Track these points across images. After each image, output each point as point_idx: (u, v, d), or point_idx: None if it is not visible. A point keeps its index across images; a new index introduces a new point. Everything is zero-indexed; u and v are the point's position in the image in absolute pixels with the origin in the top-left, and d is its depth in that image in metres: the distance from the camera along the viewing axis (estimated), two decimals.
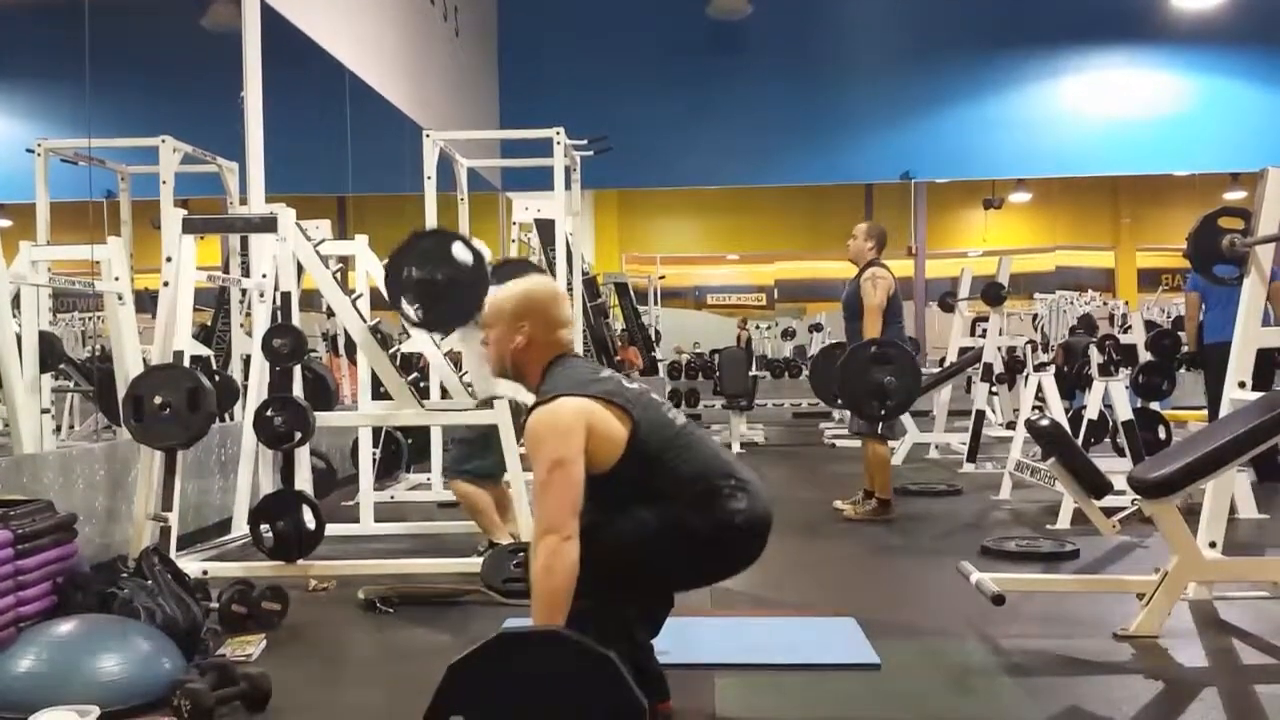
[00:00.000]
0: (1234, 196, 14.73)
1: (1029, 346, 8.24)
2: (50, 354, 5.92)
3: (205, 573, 4.36)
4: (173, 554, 4.19)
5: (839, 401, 6.02)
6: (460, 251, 4.36)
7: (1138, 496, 3.75)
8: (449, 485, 5.10)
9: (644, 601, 2.65)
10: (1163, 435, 7.34)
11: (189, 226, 4.67)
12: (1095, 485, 4.09)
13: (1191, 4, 12.77)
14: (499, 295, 2.70)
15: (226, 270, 7.07)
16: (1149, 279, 20.46)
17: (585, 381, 2.55)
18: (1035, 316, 12.95)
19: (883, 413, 5.73)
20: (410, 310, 4.33)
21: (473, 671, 2.17)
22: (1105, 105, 13.32)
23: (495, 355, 2.69)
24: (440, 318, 4.42)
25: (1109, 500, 4.16)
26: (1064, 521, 5.61)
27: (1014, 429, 7.07)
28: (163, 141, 6.62)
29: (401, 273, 4.30)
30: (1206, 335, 7.21)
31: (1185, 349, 7.71)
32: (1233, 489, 4.84)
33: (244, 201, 6.17)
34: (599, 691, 2.12)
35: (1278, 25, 12.82)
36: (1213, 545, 4.04)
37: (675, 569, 2.59)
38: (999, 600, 3.57)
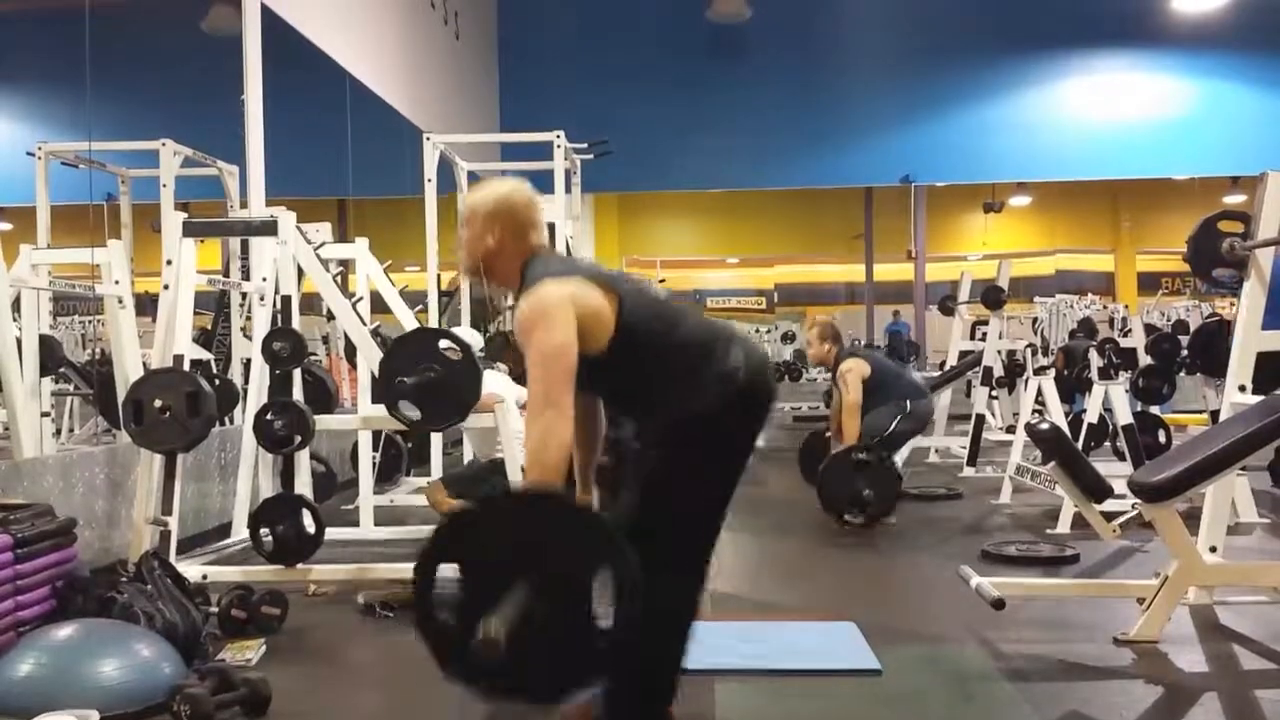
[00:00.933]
0: (1234, 200, 14.74)
1: (1029, 350, 8.26)
2: (50, 357, 5.92)
3: (205, 577, 4.35)
4: (172, 558, 4.18)
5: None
6: (448, 348, 4.36)
7: (1138, 501, 3.74)
8: (429, 487, 5.09)
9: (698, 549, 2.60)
10: (1163, 439, 7.34)
11: (189, 230, 4.67)
12: (1095, 489, 4.09)
13: (1191, 8, 12.78)
14: (474, 197, 2.68)
15: (227, 274, 7.06)
16: (1149, 283, 20.47)
17: (565, 269, 2.54)
18: (1035, 320, 12.96)
19: (859, 521, 5.79)
20: (407, 412, 4.32)
21: (469, 526, 2.16)
22: (1105, 109, 13.33)
23: (467, 255, 2.67)
24: (438, 415, 4.41)
25: (1109, 504, 4.16)
26: (1064, 526, 5.61)
27: (1014, 433, 7.07)
28: (163, 145, 6.63)
29: (394, 380, 4.28)
30: None
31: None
32: (1233, 493, 4.86)
33: (244, 205, 6.17)
34: (595, 555, 2.10)
35: (1275, 31, 12.83)
36: (1213, 550, 4.04)
37: (706, 476, 2.56)
38: (999, 605, 3.57)
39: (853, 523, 6.04)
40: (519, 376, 5.57)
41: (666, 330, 2.55)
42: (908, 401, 6.19)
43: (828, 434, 6.64)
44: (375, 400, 5.35)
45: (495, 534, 2.13)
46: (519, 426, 5.07)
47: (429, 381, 4.23)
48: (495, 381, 5.22)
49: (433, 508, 5.05)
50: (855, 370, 6.11)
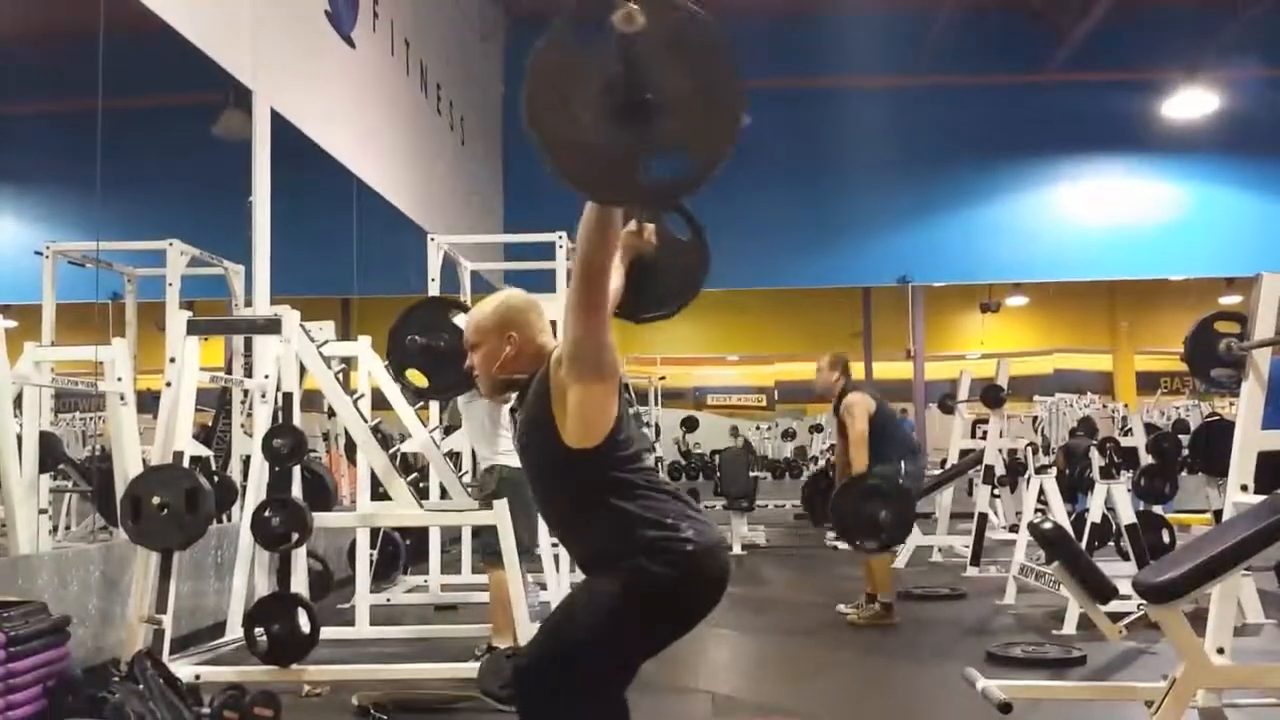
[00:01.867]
0: (1229, 301, 14.87)
1: (1030, 449, 8.25)
2: (50, 454, 5.92)
3: (198, 677, 4.29)
4: (166, 657, 4.12)
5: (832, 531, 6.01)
6: (461, 318, 4.42)
7: (1143, 602, 3.70)
8: (487, 569, 5.01)
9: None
10: (1166, 539, 7.29)
11: (194, 328, 4.71)
12: (1100, 590, 4.05)
13: (1183, 115, 13.08)
14: (477, 313, 2.61)
15: (229, 371, 7.11)
16: (1148, 382, 20.52)
17: None
18: (1035, 419, 12.98)
19: (874, 546, 5.71)
20: (416, 378, 4.37)
21: None
22: (1099, 212, 13.55)
23: (485, 373, 2.59)
24: (446, 384, 4.45)
25: (1115, 605, 4.12)
26: (1070, 626, 5.53)
27: (1017, 532, 7.03)
28: (170, 245, 6.72)
29: (404, 341, 4.34)
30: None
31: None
32: (1239, 594, 4.81)
33: (249, 303, 6.24)
34: None
35: (1267, 136, 13.11)
36: (1221, 651, 3.98)
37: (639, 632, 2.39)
38: (1006, 708, 3.51)
39: (856, 621, 5.98)
40: None
41: (637, 470, 2.42)
42: (903, 463, 6.11)
43: (831, 473, 6.53)
44: (374, 497, 5.35)
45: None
46: (504, 414, 5.09)
47: (438, 348, 4.26)
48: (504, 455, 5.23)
49: (493, 587, 4.97)
50: (862, 404, 6.05)
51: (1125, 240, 13.55)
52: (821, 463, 14.03)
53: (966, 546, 8.21)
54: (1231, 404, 8.59)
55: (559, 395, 2.36)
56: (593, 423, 2.36)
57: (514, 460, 5.01)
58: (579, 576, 7.55)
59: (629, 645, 2.39)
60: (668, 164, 2.01)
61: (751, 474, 11.18)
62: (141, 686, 3.43)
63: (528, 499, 4.95)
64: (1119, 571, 5.13)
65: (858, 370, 19.32)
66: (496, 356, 2.54)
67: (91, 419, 8.20)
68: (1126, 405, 15.92)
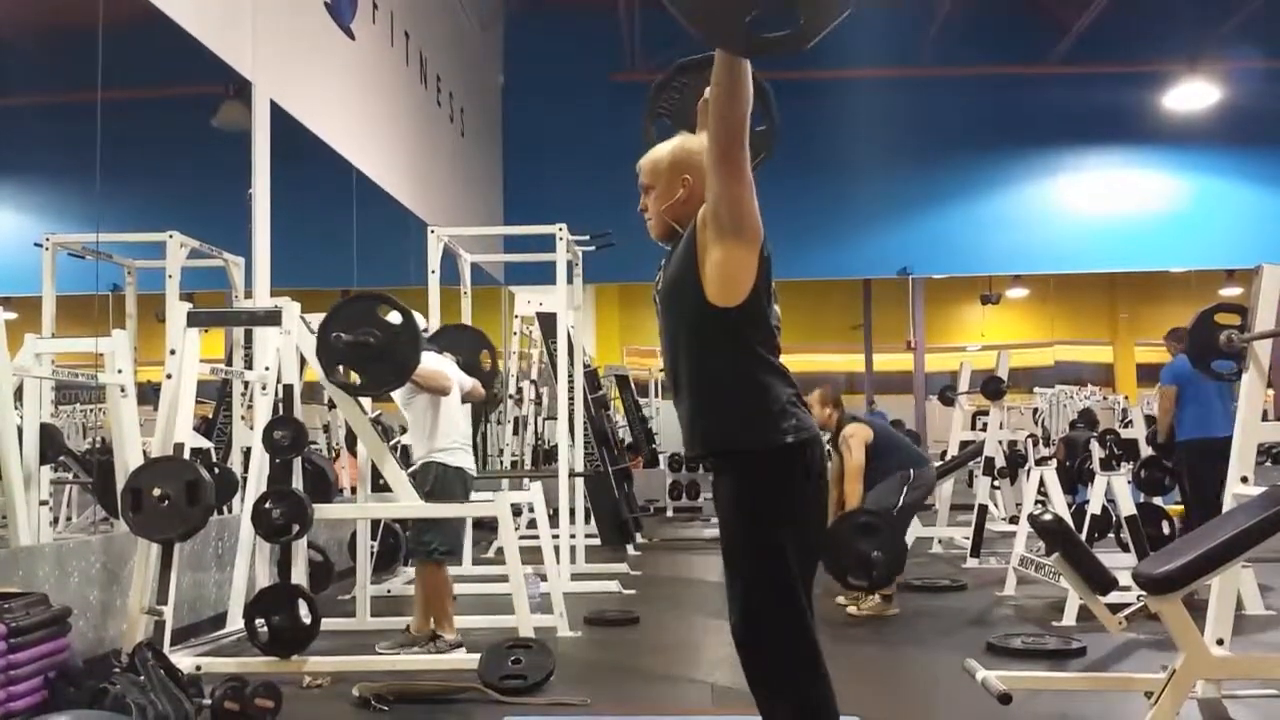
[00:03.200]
0: (1230, 293, 14.86)
1: (1030, 441, 8.24)
2: (50, 446, 5.92)
3: (199, 668, 4.30)
4: (166, 649, 4.14)
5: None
6: (389, 313, 4.40)
7: (1143, 593, 3.71)
8: (420, 567, 5.06)
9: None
10: (1166, 530, 7.29)
11: (194, 320, 4.71)
12: (1100, 581, 4.05)
13: (1184, 106, 13.07)
14: (653, 154, 2.59)
15: (230, 363, 7.10)
16: (1148, 374, 20.53)
17: None
18: (1035, 411, 12.98)
19: (864, 585, 5.72)
20: (343, 376, 4.36)
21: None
22: (1101, 203, 13.54)
23: (655, 214, 2.58)
24: (375, 380, 4.43)
25: (1115, 596, 4.12)
26: (1070, 618, 5.54)
27: (1017, 524, 7.03)
28: (170, 236, 6.71)
29: (330, 338, 4.32)
30: (1180, 431, 7.13)
31: (1157, 440, 7.60)
32: (1239, 585, 4.81)
33: (249, 295, 6.23)
34: None
35: (1268, 127, 13.10)
36: (1220, 642, 3.99)
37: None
38: (1006, 699, 3.52)
39: (856, 613, 5.99)
40: (469, 368, 5.57)
41: (777, 346, 2.49)
42: (910, 470, 6.12)
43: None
44: (374, 489, 5.36)
45: None
46: (459, 417, 5.08)
47: (367, 345, 4.25)
48: (444, 363, 5.23)
49: (422, 583, 5.01)
50: (858, 435, 6.07)
51: (1126, 232, 13.54)
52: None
53: (966, 538, 8.22)
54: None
55: (703, 254, 2.40)
56: (734, 281, 2.39)
57: (451, 458, 5.03)
58: (580, 567, 7.59)
59: (801, 516, 2.45)
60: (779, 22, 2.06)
61: None
62: (142, 678, 3.43)
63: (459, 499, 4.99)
64: (1119, 563, 5.13)
65: (857, 363, 19.41)
66: (669, 198, 2.53)
67: (92, 411, 8.19)
68: (1127, 397, 15.93)
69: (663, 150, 2.58)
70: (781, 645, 2.45)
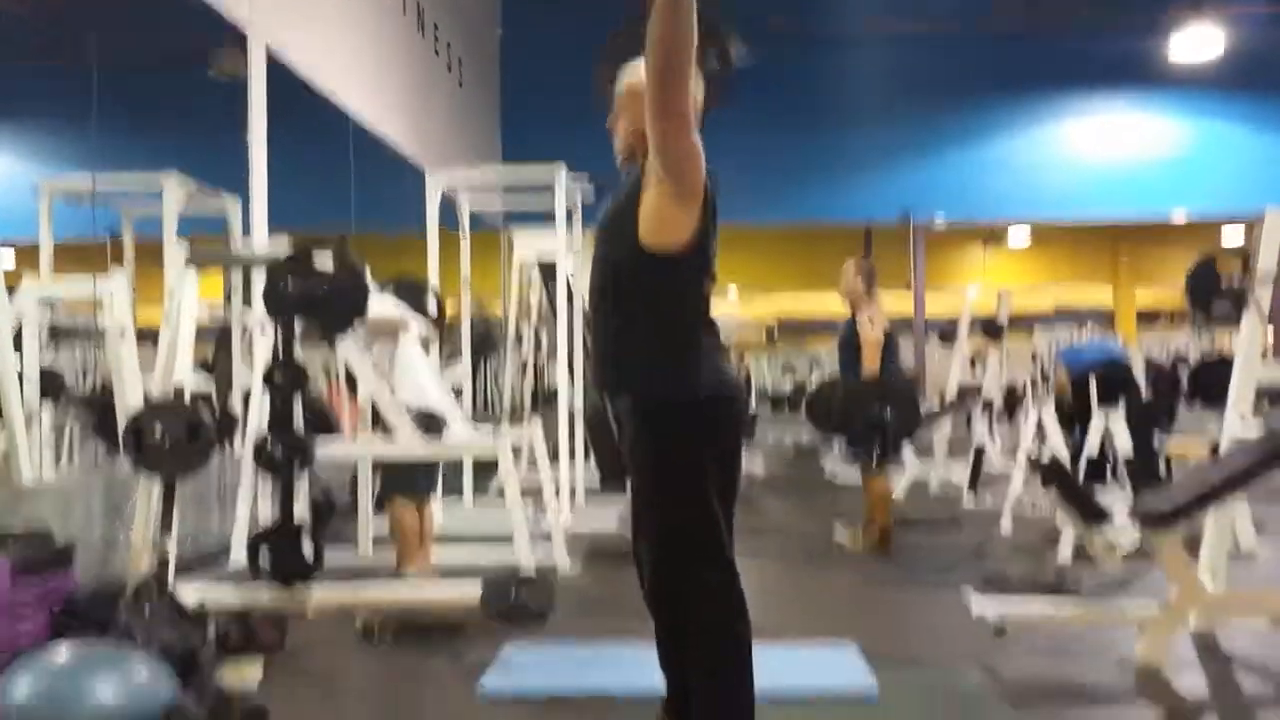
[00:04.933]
0: (1232, 233, 14.81)
1: (1029, 382, 8.26)
2: (51, 387, 5.94)
3: (203, 602, 4.34)
4: (170, 583, 4.17)
5: (835, 435, 6.02)
6: (332, 260, 4.40)
7: (1139, 529, 3.74)
8: (387, 507, 5.09)
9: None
10: (1164, 469, 7.32)
11: (193, 257, 4.70)
12: (1096, 518, 4.09)
13: (1188, 51, 12.92)
14: (631, 75, 2.57)
15: (228, 305, 7.10)
16: (1148, 318, 20.52)
17: None
18: (1034, 353, 12.99)
19: (879, 450, 5.73)
20: (293, 326, 4.36)
21: None
22: (1104, 148, 13.45)
23: (623, 135, 2.61)
24: (328, 327, 4.45)
25: (1110, 532, 4.16)
26: (1065, 553, 5.59)
27: (1015, 463, 7.06)
28: (168, 176, 6.68)
29: (279, 289, 4.33)
30: (1075, 376, 7.36)
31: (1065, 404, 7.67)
32: (1234, 521, 4.85)
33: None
34: None
35: (1273, 72, 12.97)
36: (1214, 577, 4.04)
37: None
38: (1001, 631, 3.57)
39: (852, 548, 6.04)
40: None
41: (708, 301, 2.53)
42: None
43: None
44: (375, 428, 5.38)
45: None
46: (416, 356, 5.07)
47: (315, 294, 4.27)
48: (395, 306, 5.24)
49: (393, 522, 5.04)
50: (882, 316, 6.06)
51: (1130, 177, 13.46)
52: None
53: (964, 478, 8.26)
54: (1231, 339, 8.58)
55: (645, 193, 2.41)
56: (668, 229, 2.41)
57: (420, 400, 5.03)
58: (580, 505, 7.62)
59: (707, 471, 2.47)
60: None
61: (751, 407, 11.23)
62: (147, 610, 3.47)
63: None
64: (1116, 499, 5.16)
65: None
66: (637, 123, 2.49)
67: (92, 352, 8.21)
68: (1126, 339, 15.92)
69: (637, 73, 2.54)
70: (704, 586, 2.50)
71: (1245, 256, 4.39)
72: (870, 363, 5.93)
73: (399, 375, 5.05)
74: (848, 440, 5.74)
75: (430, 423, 5.01)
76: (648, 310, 2.46)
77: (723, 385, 2.50)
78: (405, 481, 4.99)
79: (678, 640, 2.59)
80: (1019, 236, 18.89)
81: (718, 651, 2.51)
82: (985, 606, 3.74)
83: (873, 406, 5.66)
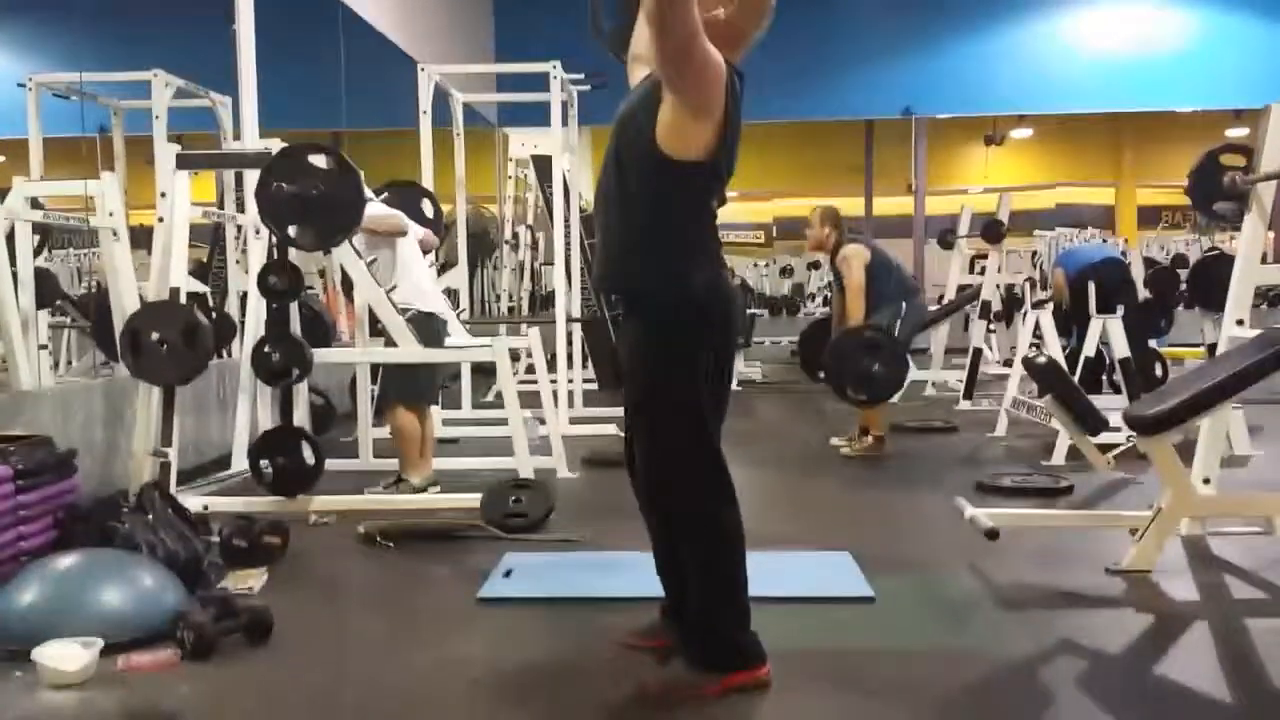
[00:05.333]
0: (1236, 133, 14.61)
1: (1028, 284, 8.24)
2: (46, 290, 5.90)
3: (206, 508, 4.40)
4: (173, 489, 4.22)
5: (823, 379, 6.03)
6: (327, 162, 4.32)
7: (1133, 433, 3.76)
8: (388, 415, 5.10)
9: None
10: (1160, 373, 7.35)
11: (183, 162, 4.63)
12: (1091, 421, 4.11)
13: None
14: None
15: (221, 206, 7.02)
16: (1149, 216, 20.37)
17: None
18: (1035, 254, 12.92)
19: (864, 399, 5.75)
20: (289, 232, 4.29)
21: None
22: (1108, 40, 13.17)
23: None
24: (324, 232, 4.36)
25: (1105, 437, 4.18)
26: (1059, 458, 5.64)
27: (1011, 366, 7.09)
28: (155, 75, 6.54)
29: (272, 190, 4.24)
30: (1072, 279, 7.46)
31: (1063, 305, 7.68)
32: (1228, 427, 4.88)
33: (238, 137, 6.10)
34: None
35: None
36: (1207, 482, 4.07)
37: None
38: (993, 535, 3.61)
39: (848, 453, 6.09)
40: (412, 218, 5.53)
41: (714, 214, 2.59)
42: (902, 303, 6.11)
43: (827, 325, 6.52)
44: (372, 333, 5.37)
45: None
46: (413, 258, 5.05)
47: (311, 196, 4.21)
48: (392, 211, 5.19)
49: (395, 430, 5.05)
50: (857, 255, 6.00)
51: (1133, 70, 13.21)
52: (818, 313, 14.07)
53: (960, 381, 8.31)
54: (1232, 239, 8.54)
55: (663, 103, 2.40)
56: (685, 142, 2.41)
57: (423, 303, 5.00)
58: (578, 411, 7.65)
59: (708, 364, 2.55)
60: None
61: (749, 311, 11.20)
62: (150, 516, 3.50)
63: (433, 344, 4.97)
64: (1111, 405, 5.19)
65: (858, 205, 19.21)
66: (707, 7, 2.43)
67: (85, 255, 8.14)
68: (1127, 240, 15.85)
69: None
70: (696, 477, 2.59)
71: (1249, 153, 4.32)
72: (855, 311, 5.91)
73: (398, 276, 5.01)
74: (835, 392, 5.75)
75: (430, 325, 5.00)
76: (655, 213, 2.50)
77: (720, 288, 2.59)
78: (408, 388, 4.99)
79: (672, 540, 2.64)
80: (1021, 134, 18.65)
81: (709, 540, 2.59)
82: (978, 511, 3.78)
83: (860, 360, 5.65)
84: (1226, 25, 13.06)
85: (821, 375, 6.03)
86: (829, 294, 7.30)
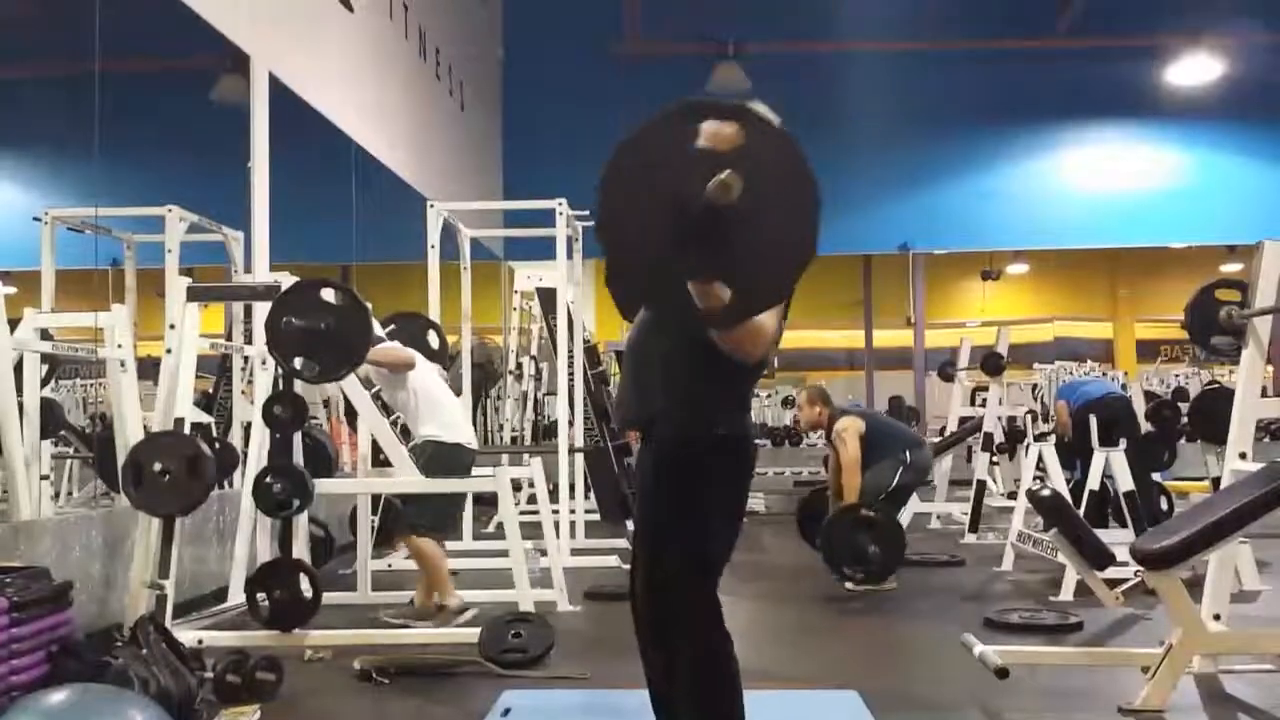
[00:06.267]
0: (1230, 269, 14.84)
1: (1029, 416, 8.25)
2: (51, 420, 5.92)
3: (200, 642, 4.32)
4: (168, 622, 4.15)
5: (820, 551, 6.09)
6: (337, 297, 4.39)
7: (1141, 568, 3.72)
8: (405, 542, 5.07)
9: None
10: (1165, 506, 7.30)
11: (193, 295, 4.71)
12: (1097, 556, 4.07)
13: (1186, 80, 12.98)
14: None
15: (229, 337, 7.10)
16: (1147, 350, 20.52)
17: None
18: (1035, 387, 12.99)
19: (861, 578, 5.76)
20: (296, 364, 4.33)
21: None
22: (1102, 178, 13.48)
23: None
24: (330, 365, 4.41)
25: (1112, 572, 4.14)
26: (1067, 593, 5.56)
27: (1015, 499, 7.05)
28: (169, 211, 6.69)
29: (281, 325, 4.30)
30: (1074, 413, 7.47)
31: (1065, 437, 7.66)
32: (1237, 561, 4.83)
33: (248, 270, 6.22)
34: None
35: (1270, 102, 13.02)
36: (1217, 618, 4.01)
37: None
38: (1003, 673, 3.54)
39: (853, 588, 6.01)
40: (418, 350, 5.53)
41: None
42: (906, 453, 6.19)
43: (828, 492, 6.58)
44: (375, 464, 5.37)
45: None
46: (437, 388, 5.04)
47: (319, 330, 4.24)
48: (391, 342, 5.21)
49: (418, 558, 5.02)
50: (851, 427, 6.11)
51: (1127, 207, 13.48)
52: (821, 474, 14.05)
53: (965, 514, 8.25)
54: (1231, 372, 8.58)
55: None
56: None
57: (446, 434, 5.01)
58: (580, 543, 7.59)
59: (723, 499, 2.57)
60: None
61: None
62: (144, 651, 3.44)
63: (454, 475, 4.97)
64: (1117, 539, 5.15)
65: (858, 338, 19.38)
66: None
67: (92, 386, 8.20)
68: (1126, 373, 15.92)
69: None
70: (690, 603, 2.54)
71: (1244, 288, 4.38)
72: (850, 486, 6.00)
73: (423, 409, 5.04)
74: (831, 570, 5.79)
75: (455, 456, 5.01)
76: (697, 355, 2.50)
77: (746, 429, 2.66)
78: (424, 517, 4.98)
79: (669, 682, 2.59)
80: (1017, 269, 18.94)
81: (705, 678, 2.53)
82: (987, 648, 3.72)
83: (856, 538, 5.70)
84: (1218, 164, 13.39)
85: (819, 551, 6.04)
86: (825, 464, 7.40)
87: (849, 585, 6.08)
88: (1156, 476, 7.77)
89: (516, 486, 7.64)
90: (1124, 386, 11.74)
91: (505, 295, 11.53)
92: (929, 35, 12.90)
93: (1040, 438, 7.04)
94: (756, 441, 2.77)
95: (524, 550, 4.84)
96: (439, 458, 4.96)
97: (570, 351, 7.80)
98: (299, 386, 4.76)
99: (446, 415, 5.12)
